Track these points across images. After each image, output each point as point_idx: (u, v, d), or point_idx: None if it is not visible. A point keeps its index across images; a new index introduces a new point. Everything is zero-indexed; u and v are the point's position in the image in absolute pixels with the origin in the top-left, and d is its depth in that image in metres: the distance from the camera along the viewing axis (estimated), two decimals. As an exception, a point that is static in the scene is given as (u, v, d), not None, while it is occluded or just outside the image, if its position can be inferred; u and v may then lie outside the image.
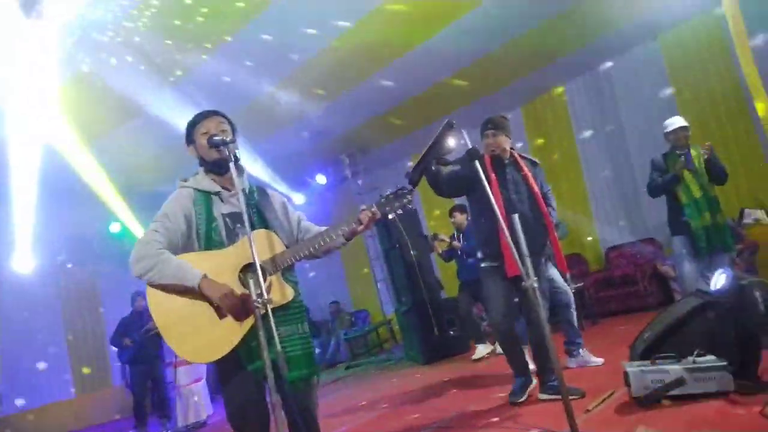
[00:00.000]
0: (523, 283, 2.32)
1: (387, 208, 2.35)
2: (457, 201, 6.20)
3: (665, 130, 4.82)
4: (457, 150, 2.88)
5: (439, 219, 9.99)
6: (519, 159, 3.79)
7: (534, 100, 8.97)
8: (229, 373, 2.20)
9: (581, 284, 6.94)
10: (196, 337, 2.13)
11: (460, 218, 6.60)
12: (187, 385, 6.80)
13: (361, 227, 2.32)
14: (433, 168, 3.27)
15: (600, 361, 4.50)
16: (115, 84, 6.11)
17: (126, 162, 7.96)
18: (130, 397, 6.94)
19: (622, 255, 7.87)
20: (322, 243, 2.30)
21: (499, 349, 5.34)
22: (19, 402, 9.02)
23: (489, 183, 2.99)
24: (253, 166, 8.50)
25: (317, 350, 10.05)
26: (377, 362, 8.77)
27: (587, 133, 8.49)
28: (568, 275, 5.93)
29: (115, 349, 7.06)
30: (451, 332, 7.34)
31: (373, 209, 2.33)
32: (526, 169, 3.76)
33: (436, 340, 7.20)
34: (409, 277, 7.50)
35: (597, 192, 8.50)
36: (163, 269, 2.12)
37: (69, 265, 9.76)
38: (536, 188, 3.72)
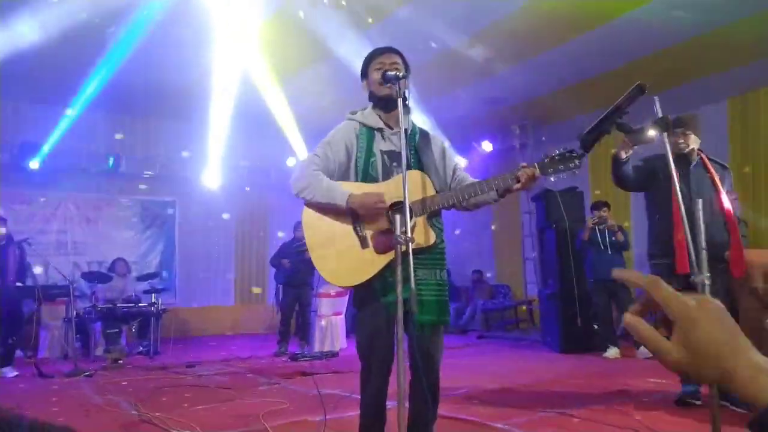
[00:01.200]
0: (692, 278, 2.06)
1: (550, 170, 2.19)
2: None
3: None
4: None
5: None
6: (706, 160, 3.70)
7: (745, 94, 7.85)
8: (364, 302, 2.27)
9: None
10: (337, 261, 2.23)
11: (606, 214, 6.49)
12: (328, 316, 7.26)
13: (518, 185, 2.20)
14: (619, 156, 3.44)
15: None
16: (310, 25, 6.47)
17: (310, 103, 8.50)
18: (278, 315, 7.59)
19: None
20: (473, 193, 2.23)
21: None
22: (188, 300, 10.35)
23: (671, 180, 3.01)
24: (419, 121, 8.60)
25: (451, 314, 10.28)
26: (510, 338, 8.61)
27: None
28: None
29: (273, 269, 7.72)
30: (595, 326, 6.91)
31: (533, 168, 2.19)
32: (713, 170, 3.66)
33: (576, 331, 6.85)
34: (560, 260, 7.17)
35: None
36: (316, 188, 2.22)
37: (247, 188, 10.79)
38: (722, 191, 3.60)
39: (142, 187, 10.13)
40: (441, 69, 7.23)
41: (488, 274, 11.12)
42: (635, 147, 3.43)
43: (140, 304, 7.53)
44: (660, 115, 2.02)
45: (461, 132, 9.66)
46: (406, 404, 2.14)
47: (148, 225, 10.36)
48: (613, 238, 6.47)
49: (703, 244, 2.05)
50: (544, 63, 7.31)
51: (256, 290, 10.99)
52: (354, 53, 6.56)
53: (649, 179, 3.73)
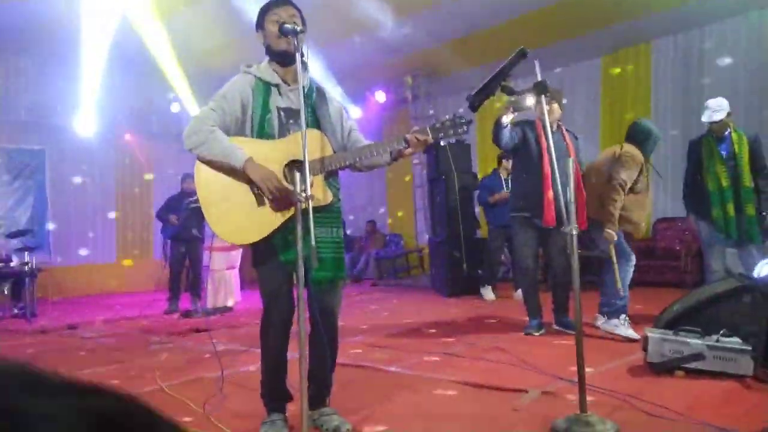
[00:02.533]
0: (563, 228, 2.30)
1: (441, 134, 2.30)
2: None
3: (703, 118, 4.48)
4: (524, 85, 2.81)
5: (491, 160, 9.86)
6: (564, 130, 4.29)
7: (617, 51, 8.50)
8: (263, 260, 2.29)
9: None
10: (233, 218, 2.21)
11: (507, 165, 6.66)
12: (221, 270, 7.13)
13: (409, 150, 2.31)
14: (501, 122, 3.94)
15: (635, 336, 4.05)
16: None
17: (196, 44, 8.00)
18: (167, 271, 7.33)
19: (670, 228, 7.66)
20: (368, 155, 2.30)
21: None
22: (65, 258, 9.67)
23: (539, 144, 4.01)
24: (313, 68, 8.44)
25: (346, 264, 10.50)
26: (402, 285, 8.99)
27: (664, 97, 8.05)
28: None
29: (160, 223, 7.39)
30: (479, 271, 7.40)
31: (424, 133, 2.29)
32: (568, 139, 4.26)
33: (463, 276, 7.30)
34: (448, 209, 7.52)
35: (660, 160, 8.15)
36: (213, 145, 2.16)
37: (127, 136, 10.09)
38: (574, 157, 4.02)
39: (6, 135, 9.14)
40: (333, 15, 7.10)
41: (381, 224, 11.41)
42: (515, 113, 3.90)
43: (11, 264, 6.94)
44: (539, 78, 2.18)
45: (355, 81, 9.62)
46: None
47: (14, 176, 9.42)
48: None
49: (572, 199, 2.28)
50: (430, 17, 7.43)
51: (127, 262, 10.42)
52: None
53: (520, 142, 4.25)
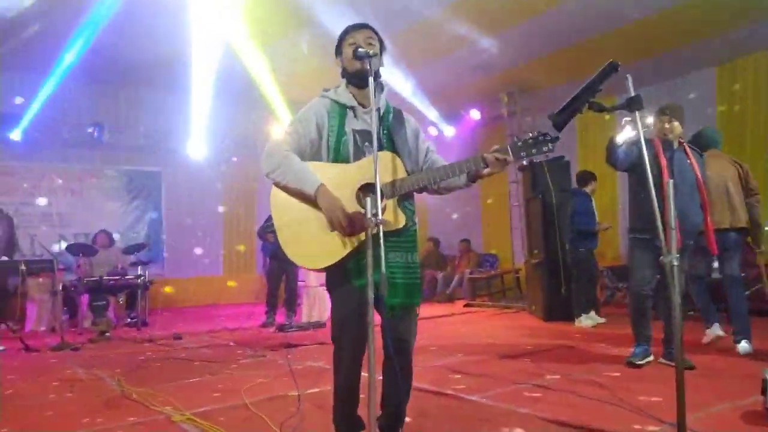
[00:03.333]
0: (661, 258, 2.08)
1: (522, 153, 2.18)
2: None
3: None
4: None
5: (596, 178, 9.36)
6: (687, 147, 4.17)
7: (733, 61, 7.79)
8: (336, 285, 2.26)
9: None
10: (305, 242, 2.20)
11: (595, 185, 6.91)
12: (315, 286, 7.29)
13: (487, 170, 2.21)
14: (616, 141, 3.90)
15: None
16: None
17: (294, 70, 8.36)
18: (266, 286, 7.63)
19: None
20: (443, 176, 2.22)
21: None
22: (176, 272, 10.37)
23: (659, 163, 3.88)
24: (407, 90, 8.49)
25: (440, 282, 10.36)
26: (496, 306, 8.71)
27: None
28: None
29: (260, 241, 7.72)
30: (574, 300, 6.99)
31: (503, 152, 2.18)
32: (692, 157, 4.12)
33: (561, 299, 6.94)
34: (546, 229, 7.20)
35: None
36: (287, 170, 2.17)
37: (234, 159, 10.70)
38: (700, 176, 4.07)
39: (127, 158, 10.03)
40: (425, 37, 7.14)
41: (476, 243, 11.18)
42: (633, 131, 3.62)
43: (127, 277, 7.52)
44: (632, 93, 1.99)
45: (448, 99, 9.60)
46: (379, 384, 2.17)
47: (134, 196, 10.30)
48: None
49: (673, 224, 2.06)
50: (523, 32, 7.24)
51: (241, 247, 11.03)
52: (336, 20, 6.44)
53: (637, 161, 4.00)
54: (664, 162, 3.93)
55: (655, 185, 3.77)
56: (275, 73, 8.37)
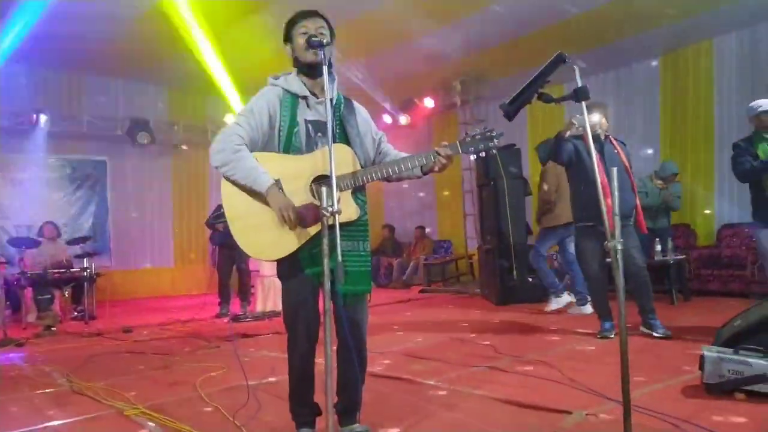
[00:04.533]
0: (606, 243, 2.17)
1: (471, 148, 2.26)
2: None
3: (749, 114, 4.40)
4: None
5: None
6: (612, 139, 4.59)
7: (675, 51, 8.09)
8: (288, 274, 2.27)
9: (683, 256, 6.52)
10: (258, 234, 2.20)
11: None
12: (269, 276, 7.23)
13: (437, 168, 2.29)
14: (564, 137, 4.31)
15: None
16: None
17: (246, 57, 8.17)
18: (216, 276, 7.51)
19: (736, 235, 7.21)
20: (397, 170, 2.27)
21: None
22: (124, 263, 10.08)
23: (591, 156, 3.85)
24: (359, 78, 8.45)
25: (395, 269, 10.44)
26: (451, 292, 8.85)
27: (729, 99, 7.58)
28: (670, 244, 6.38)
29: (209, 231, 7.58)
30: (530, 279, 7.20)
31: (454, 149, 2.26)
32: (618, 147, 4.55)
33: (513, 284, 7.11)
34: (497, 216, 7.35)
35: (726, 164, 7.71)
36: (237, 167, 2.15)
37: (183, 147, 10.43)
38: (626, 163, 4.49)
39: (70, 146, 9.63)
40: (375, 27, 7.10)
41: (430, 230, 11.30)
42: (579, 128, 4.25)
43: (72, 269, 7.27)
44: (579, 84, 2.05)
45: (402, 87, 9.60)
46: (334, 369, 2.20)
47: (78, 186, 9.91)
48: None
49: (617, 209, 2.15)
50: (477, 21, 7.32)
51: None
52: (288, 8, 6.34)
53: (574, 156, 4.49)
54: (597, 156, 4.11)
55: (590, 177, 4.17)
56: (227, 59, 8.17)
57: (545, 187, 6.34)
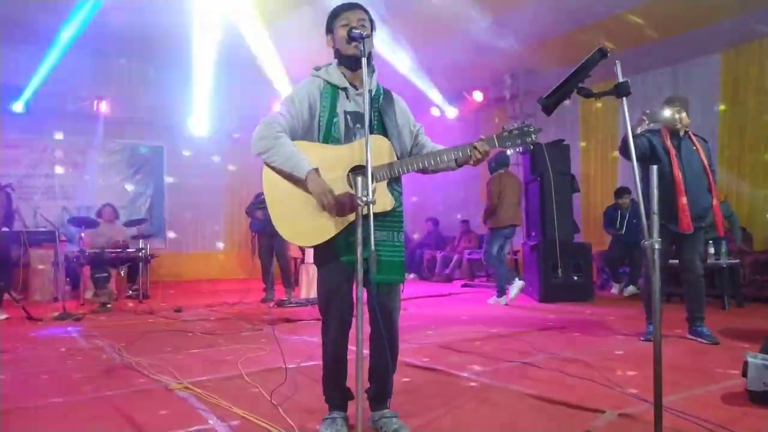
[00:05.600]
0: (643, 242, 2.13)
1: (507, 143, 2.28)
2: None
3: None
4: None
5: (595, 160, 9.38)
6: (692, 136, 4.37)
7: (736, 47, 7.73)
8: (325, 261, 2.33)
9: (737, 261, 6.28)
10: (297, 220, 2.27)
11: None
12: (314, 264, 7.37)
13: (472, 161, 2.32)
14: (636, 132, 4.19)
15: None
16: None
17: (298, 46, 8.30)
18: (257, 262, 7.70)
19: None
20: (433, 162, 2.30)
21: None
22: (177, 246, 10.47)
23: (668, 153, 4.19)
24: (409, 70, 8.45)
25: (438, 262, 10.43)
26: (494, 288, 8.78)
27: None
28: (724, 248, 6.25)
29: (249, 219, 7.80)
30: (575, 277, 7.08)
31: (490, 143, 2.28)
32: (698, 144, 4.34)
33: (556, 282, 7.02)
34: (543, 213, 7.25)
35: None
36: (278, 153, 2.22)
37: (235, 135, 10.71)
38: (705, 161, 4.30)
39: (129, 132, 10.06)
40: (426, 17, 7.08)
41: (475, 224, 11.23)
42: (650, 124, 4.21)
43: (128, 250, 7.62)
44: (620, 79, 2.02)
45: (451, 80, 9.55)
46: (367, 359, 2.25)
47: (136, 170, 10.34)
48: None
49: (655, 209, 2.11)
50: (528, 14, 7.20)
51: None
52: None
53: (648, 151, 4.29)
54: (673, 152, 4.21)
55: (665, 174, 4.14)
56: (278, 48, 8.33)
57: (490, 192, 7.03)
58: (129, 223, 8.30)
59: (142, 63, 9.66)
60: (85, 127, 9.67)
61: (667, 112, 4.25)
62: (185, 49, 8.26)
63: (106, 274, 7.28)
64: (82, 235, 7.42)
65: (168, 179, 10.60)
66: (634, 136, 4.03)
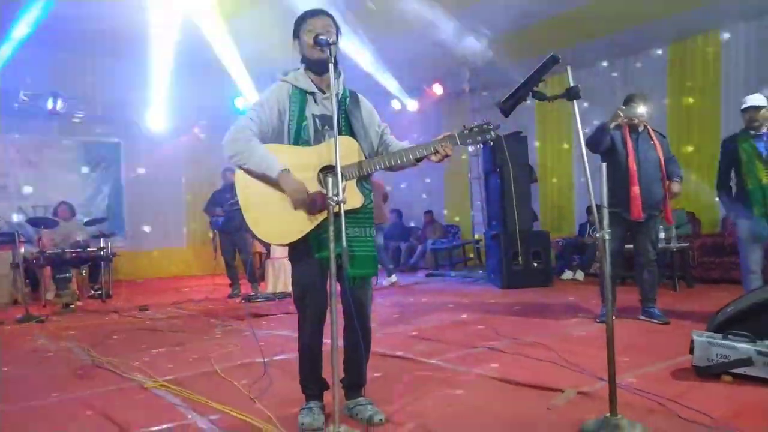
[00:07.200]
0: (594, 233, 2.33)
1: (468, 140, 2.42)
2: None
3: (741, 107, 4.53)
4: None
5: (550, 151, 9.68)
6: (651, 131, 4.63)
7: (684, 40, 8.10)
8: (299, 258, 2.44)
9: (686, 244, 6.62)
10: (271, 220, 2.37)
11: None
12: (280, 258, 7.43)
13: (434, 158, 2.43)
14: (608, 127, 4.35)
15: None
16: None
17: (257, 44, 8.28)
18: (220, 259, 7.71)
19: (739, 224, 7.30)
20: (398, 161, 2.42)
21: None
22: (138, 244, 10.31)
23: (626, 145, 4.46)
24: (369, 63, 8.52)
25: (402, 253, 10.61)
26: (457, 276, 9.02)
27: (735, 90, 7.60)
28: (674, 233, 6.55)
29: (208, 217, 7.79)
30: (535, 264, 7.34)
31: (452, 140, 2.40)
32: (655, 138, 4.59)
33: (517, 269, 7.26)
34: (503, 203, 7.47)
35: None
36: (250, 155, 2.32)
37: (195, 130, 10.60)
38: (662, 156, 4.53)
39: (84, 129, 9.83)
40: (390, 9, 7.16)
41: (438, 215, 11.44)
42: (625, 120, 4.45)
43: (89, 249, 7.50)
44: (571, 83, 2.19)
45: (411, 74, 9.66)
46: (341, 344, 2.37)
47: (93, 168, 10.14)
48: None
49: (605, 202, 2.29)
50: (486, 10, 7.37)
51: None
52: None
53: (610, 145, 4.54)
54: (630, 145, 4.48)
55: (621, 165, 4.41)
56: (238, 45, 8.28)
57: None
58: (89, 223, 8.15)
59: (96, 58, 9.42)
60: (38, 125, 9.40)
61: (641, 109, 4.51)
62: (142, 43, 8.11)
63: (67, 275, 7.15)
64: (41, 235, 7.27)
65: (126, 176, 10.42)
66: (607, 130, 4.40)
